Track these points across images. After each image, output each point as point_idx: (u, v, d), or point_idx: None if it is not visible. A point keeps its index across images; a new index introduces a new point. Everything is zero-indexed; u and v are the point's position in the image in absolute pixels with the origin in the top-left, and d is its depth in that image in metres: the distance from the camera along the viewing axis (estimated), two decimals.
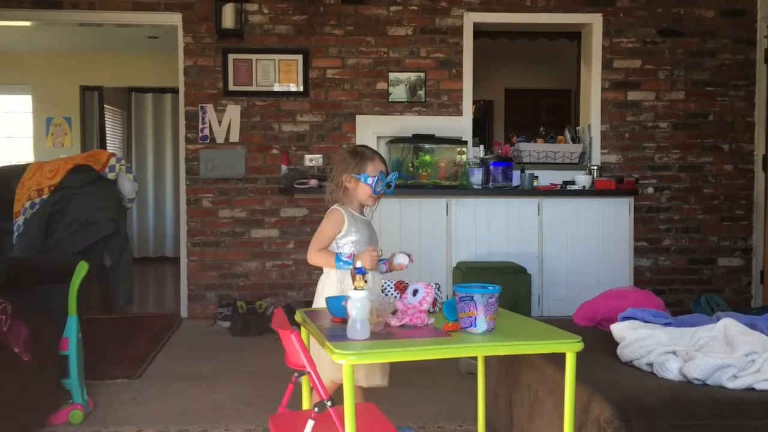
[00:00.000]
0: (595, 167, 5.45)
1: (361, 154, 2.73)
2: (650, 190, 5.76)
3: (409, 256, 2.62)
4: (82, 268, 3.15)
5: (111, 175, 3.86)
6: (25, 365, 2.71)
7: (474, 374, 2.70)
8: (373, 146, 5.55)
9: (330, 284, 2.66)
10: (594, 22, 5.67)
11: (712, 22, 5.74)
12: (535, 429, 2.43)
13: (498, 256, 5.08)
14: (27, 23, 5.92)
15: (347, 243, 2.67)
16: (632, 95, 5.74)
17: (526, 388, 2.55)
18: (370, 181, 2.66)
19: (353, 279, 2.04)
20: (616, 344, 2.45)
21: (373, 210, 2.83)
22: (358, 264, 2.04)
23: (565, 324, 2.57)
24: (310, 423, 1.95)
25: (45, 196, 3.79)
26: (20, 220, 3.84)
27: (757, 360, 2.14)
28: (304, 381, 2.38)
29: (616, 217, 5.18)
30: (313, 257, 2.67)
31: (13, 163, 4.66)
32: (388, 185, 2.73)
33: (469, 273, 4.67)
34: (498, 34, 6.10)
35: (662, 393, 2.06)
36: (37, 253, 3.69)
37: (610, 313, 2.79)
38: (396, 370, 3.68)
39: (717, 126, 5.79)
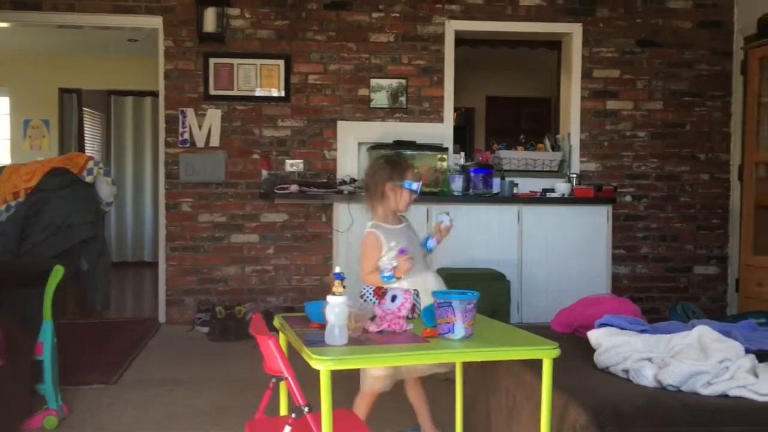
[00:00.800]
0: (575, 175, 5.50)
1: (400, 163, 2.87)
2: (628, 198, 5.82)
3: (447, 213, 2.83)
4: (57, 272, 3.12)
5: (89, 179, 3.84)
6: None
7: (451, 380, 2.71)
8: (355, 152, 5.57)
9: None
10: (574, 31, 5.72)
11: (690, 33, 5.82)
12: None
13: (478, 262, 5.10)
14: (5, 24, 5.86)
15: (390, 256, 2.76)
16: (611, 104, 5.81)
17: (504, 394, 2.56)
18: (414, 186, 2.80)
19: (332, 284, 2.05)
20: (593, 351, 2.47)
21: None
22: (337, 270, 2.04)
23: (543, 330, 2.59)
24: (287, 429, 1.95)
25: (21, 199, 3.75)
26: None
27: (731, 367, 2.17)
28: (282, 387, 2.37)
29: (594, 224, 5.22)
30: (368, 279, 2.79)
31: None
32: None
33: (449, 279, 4.62)
34: (479, 42, 6.15)
35: (637, 399, 2.08)
36: (13, 257, 3.65)
37: (588, 319, 2.81)
38: None
39: (694, 136, 5.86)
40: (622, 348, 2.35)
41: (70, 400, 3.39)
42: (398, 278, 2.68)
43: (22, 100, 8.50)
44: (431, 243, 2.91)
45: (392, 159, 2.90)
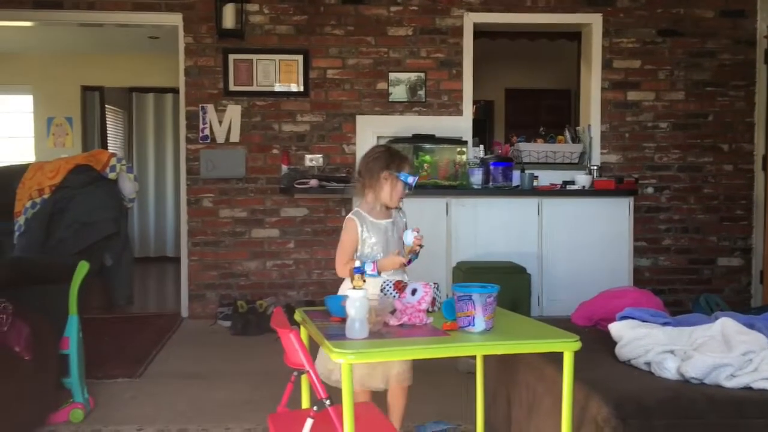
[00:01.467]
0: (595, 167, 5.46)
1: (399, 154, 2.75)
2: (650, 190, 5.77)
3: (416, 231, 2.60)
4: (82, 268, 3.16)
5: (112, 175, 3.88)
6: (26, 364, 2.72)
7: (472, 374, 2.71)
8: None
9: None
10: (594, 22, 5.67)
11: (712, 22, 5.74)
12: (534, 428, 2.44)
13: (498, 255, 5.08)
14: (28, 24, 5.93)
15: (367, 247, 2.66)
16: (632, 95, 5.75)
17: (524, 387, 2.56)
18: (410, 180, 2.66)
19: (351, 278, 2.06)
20: (615, 343, 2.46)
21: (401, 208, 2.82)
22: (356, 263, 2.05)
23: (563, 323, 2.58)
24: (309, 422, 1.96)
25: (46, 196, 3.80)
26: (21, 219, 3.85)
27: (755, 359, 2.15)
28: (303, 380, 2.39)
29: (615, 217, 5.18)
30: (341, 271, 2.67)
31: (14, 163, 4.67)
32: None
33: (469, 273, 4.67)
34: (498, 34, 6.11)
35: (659, 392, 2.07)
36: (38, 253, 3.70)
37: (609, 312, 2.80)
38: None
39: (717, 126, 5.79)
40: (644, 340, 2.33)
41: (95, 393, 3.44)
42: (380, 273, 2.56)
43: (45, 98, 8.62)
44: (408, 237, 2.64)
45: (392, 149, 2.80)
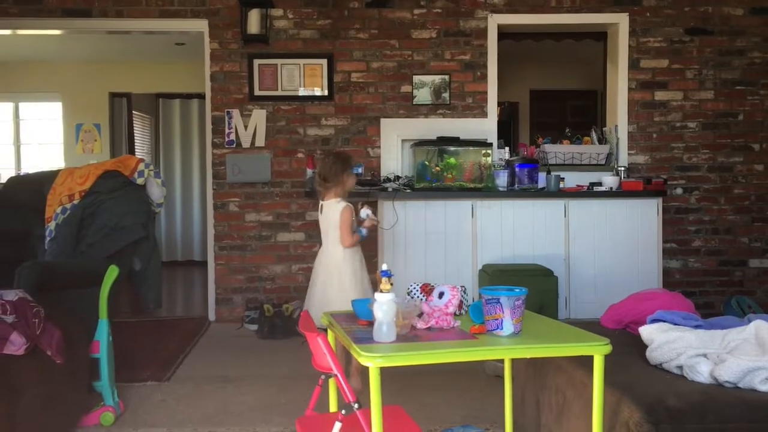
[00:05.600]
0: (623, 168, 5.40)
1: (348, 157, 3.89)
2: (679, 190, 5.69)
3: (367, 209, 3.81)
4: (112, 272, 3.20)
5: (140, 181, 3.92)
6: (58, 368, 2.76)
7: (500, 377, 2.70)
8: (398, 149, 5.58)
9: (356, 261, 3.74)
10: (620, 21, 5.62)
11: (741, 20, 5.65)
12: None
13: (524, 258, 5.05)
14: (57, 32, 6.02)
15: (355, 223, 3.78)
16: (660, 95, 5.68)
17: (553, 391, 2.53)
18: (360, 170, 3.98)
19: (379, 282, 2.05)
20: (645, 347, 2.42)
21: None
22: (384, 267, 2.05)
23: (592, 327, 2.55)
24: (338, 425, 1.96)
25: (76, 202, 3.85)
26: (52, 225, 3.91)
27: None
28: (331, 383, 2.39)
29: (644, 218, 5.12)
30: (350, 242, 3.71)
31: (45, 169, 4.75)
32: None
33: (495, 275, 4.65)
34: (523, 35, 6.07)
35: (693, 396, 2.03)
36: (69, 258, 3.75)
37: (639, 315, 2.77)
38: (420, 372, 3.68)
39: (747, 125, 5.70)
40: (676, 344, 2.30)
41: (124, 396, 3.48)
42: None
43: (74, 105, 8.76)
44: (363, 231, 3.78)
45: (342, 154, 3.90)
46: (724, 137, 5.69)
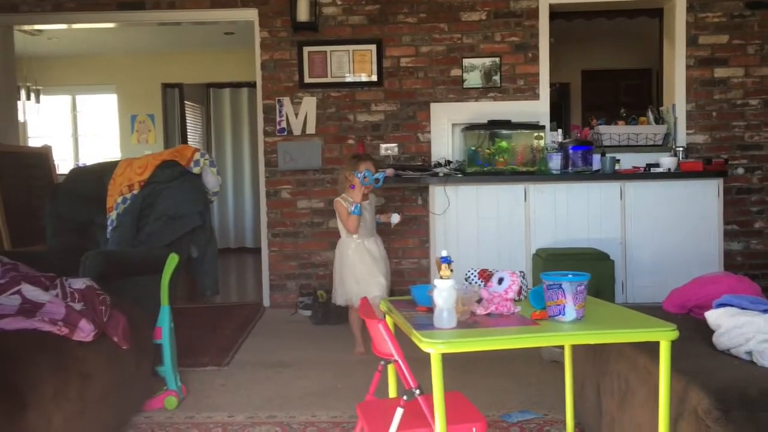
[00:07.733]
0: (681, 149, 5.25)
1: (357, 157, 4.25)
2: (740, 170, 5.51)
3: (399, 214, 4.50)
4: (173, 260, 3.26)
5: (196, 170, 3.99)
6: (124, 353, 2.83)
7: (558, 362, 2.67)
8: (449, 134, 5.54)
9: (349, 249, 4.20)
10: None
11: None
12: (627, 419, 2.37)
13: (578, 242, 4.97)
14: (111, 24, 6.16)
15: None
16: (719, 72, 5.50)
17: (615, 377, 2.49)
18: (359, 176, 4.04)
19: (439, 268, 2.04)
20: (711, 332, 2.36)
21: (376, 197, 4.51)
22: (444, 253, 2.04)
23: (654, 311, 2.49)
24: (399, 411, 1.97)
25: (135, 191, 3.94)
26: (113, 215, 4.01)
27: None
28: (390, 369, 2.40)
29: (703, 199, 4.98)
30: (352, 225, 4.12)
31: (103, 160, 4.88)
32: (376, 180, 4.05)
33: (550, 260, 4.59)
34: (574, 14, 5.94)
35: (764, 382, 1.97)
36: (130, 246, 3.85)
37: (704, 299, 2.69)
38: (477, 358, 3.68)
39: None
40: (744, 329, 2.23)
41: (186, 381, 3.56)
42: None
43: (128, 96, 8.96)
44: (394, 218, 4.42)
45: (353, 158, 4.30)
46: None
